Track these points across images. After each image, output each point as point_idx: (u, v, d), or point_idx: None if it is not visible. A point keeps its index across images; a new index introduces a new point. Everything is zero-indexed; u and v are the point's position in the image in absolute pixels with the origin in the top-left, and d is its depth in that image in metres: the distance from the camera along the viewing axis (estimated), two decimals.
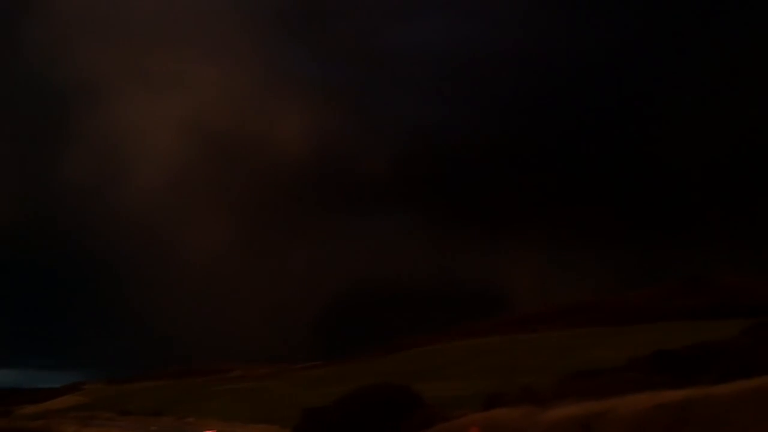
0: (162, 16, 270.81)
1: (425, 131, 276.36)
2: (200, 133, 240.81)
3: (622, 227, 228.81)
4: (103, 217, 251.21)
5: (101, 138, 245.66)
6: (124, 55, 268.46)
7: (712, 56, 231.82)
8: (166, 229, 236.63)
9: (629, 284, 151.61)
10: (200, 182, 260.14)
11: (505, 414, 32.12)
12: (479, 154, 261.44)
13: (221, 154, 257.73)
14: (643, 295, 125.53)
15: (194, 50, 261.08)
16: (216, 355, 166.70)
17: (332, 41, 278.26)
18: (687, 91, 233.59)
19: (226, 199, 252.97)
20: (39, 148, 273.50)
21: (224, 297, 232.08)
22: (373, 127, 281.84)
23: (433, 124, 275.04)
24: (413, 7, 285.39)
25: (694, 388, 20.30)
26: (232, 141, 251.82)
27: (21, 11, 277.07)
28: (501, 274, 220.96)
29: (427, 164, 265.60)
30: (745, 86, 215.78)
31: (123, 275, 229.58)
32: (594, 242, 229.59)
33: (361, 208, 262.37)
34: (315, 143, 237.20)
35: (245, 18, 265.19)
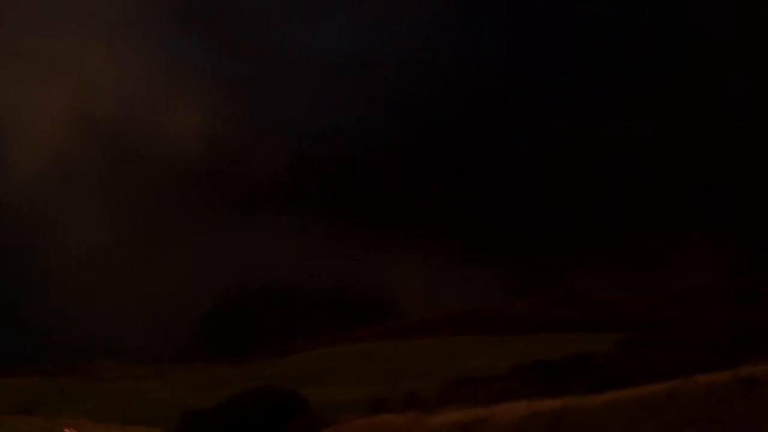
0: None
1: (321, 134, 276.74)
2: (86, 120, 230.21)
3: (507, 239, 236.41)
4: None
5: None
6: (7, 33, 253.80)
7: (599, 74, 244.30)
8: (45, 219, 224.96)
9: (512, 295, 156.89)
10: (84, 172, 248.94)
11: (390, 419, 32.56)
12: (373, 160, 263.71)
13: (108, 143, 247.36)
14: (525, 306, 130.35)
15: (84, 32, 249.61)
16: (94, 353, 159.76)
17: (232, 36, 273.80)
18: (581, 113, 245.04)
19: (112, 190, 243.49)
20: None
21: (105, 293, 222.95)
22: (268, 126, 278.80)
23: (329, 127, 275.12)
24: (315, 8, 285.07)
25: (570, 397, 21.35)
26: (120, 130, 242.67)
27: None
28: (390, 280, 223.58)
29: (322, 167, 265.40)
30: (630, 102, 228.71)
31: None
32: (481, 252, 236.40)
33: (254, 208, 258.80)
34: (208, 139, 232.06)
35: (141, 3, 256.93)
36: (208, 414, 50.01)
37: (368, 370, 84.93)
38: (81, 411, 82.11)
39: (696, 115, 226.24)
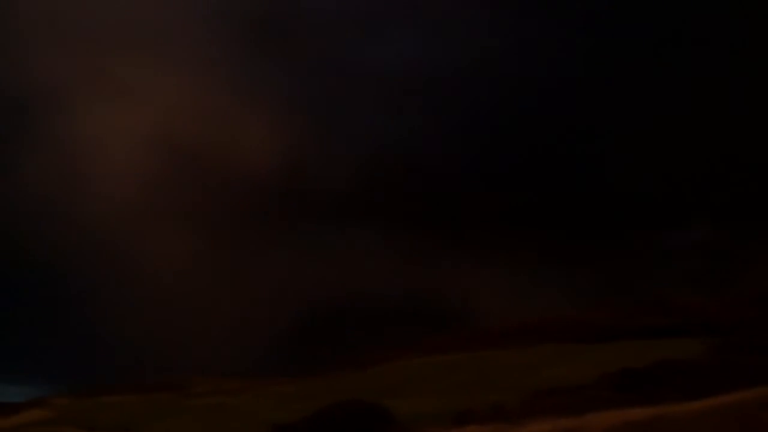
0: (127, 22, 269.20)
1: (392, 146, 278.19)
2: (164, 144, 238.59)
3: (589, 244, 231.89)
4: (63, 229, 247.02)
5: (61, 147, 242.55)
6: (86, 61, 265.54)
7: (684, 72, 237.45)
8: (129, 243, 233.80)
9: (596, 301, 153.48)
10: (166, 194, 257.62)
11: (476, 431, 32.71)
12: (446, 170, 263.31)
13: (185, 166, 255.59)
14: (608, 313, 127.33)
15: (160, 59, 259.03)
16: (185, 369, 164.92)
17: (300, 54, 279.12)
18: (659, 112, 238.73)
19: (193, 211, 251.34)
20: None
21: (192, 311, 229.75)
22: (339, 141, 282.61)
23: (403, 139, 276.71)
24: (382, 22, 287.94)
25: (662, 406, 21.08)
26: (197, 153, 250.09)
27: None
28: (467, 289, 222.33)
29: (394, 179, 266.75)
30: (705, 109, 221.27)
31: (90, 288, 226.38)
32: (559, 259, 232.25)
33: (328, 223, 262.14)
34: (281, 157, 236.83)
35: (213, 28, 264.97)
36: (295, 428, 51.13)
37: (451, 382, 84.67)
38: (175, 426, 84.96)
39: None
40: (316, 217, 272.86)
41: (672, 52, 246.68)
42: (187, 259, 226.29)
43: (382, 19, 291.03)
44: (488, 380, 75.94)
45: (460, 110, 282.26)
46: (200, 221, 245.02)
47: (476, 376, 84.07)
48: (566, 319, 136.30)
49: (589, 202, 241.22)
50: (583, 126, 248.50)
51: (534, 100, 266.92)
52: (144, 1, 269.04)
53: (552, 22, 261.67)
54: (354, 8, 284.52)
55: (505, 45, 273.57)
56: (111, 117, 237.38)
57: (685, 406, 19.54)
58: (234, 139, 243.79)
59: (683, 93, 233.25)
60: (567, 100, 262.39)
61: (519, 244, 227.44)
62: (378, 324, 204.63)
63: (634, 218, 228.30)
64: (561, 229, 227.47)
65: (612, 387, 37.53)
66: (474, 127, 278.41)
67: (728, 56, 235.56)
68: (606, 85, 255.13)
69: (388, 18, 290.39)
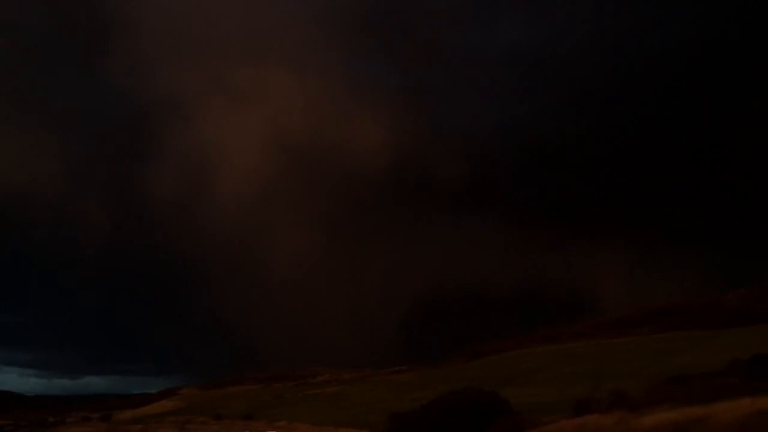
0: (244, 29, 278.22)
1: (503, 132, 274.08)
2: (282, 145, 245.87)
3: (711, 228, 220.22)
4: (192, 231, 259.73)
5: (187, 153, 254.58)
6: (208, 69, 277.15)
7: None
8: (253, 241, 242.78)
9: (720, 286, 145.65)
10: (284, 193, 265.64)
11: (597, 420, 31.41)
12: (562, 154, 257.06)
13: (303, 164, 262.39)
14: (738, 297, 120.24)
15: (277, 62, 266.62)
16: (304, 361, 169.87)
17: (407, 46, 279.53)
18: None
19: (309, 209, 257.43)
20: (127, 163, 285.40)
21: (310, 305, 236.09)
22: (450, 129, 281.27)
23: (511, 124, 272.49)
24: (485, 7, 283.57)
25: None
26: (315, 152, 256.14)
27: (109, 27, 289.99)
28: (587, 276, 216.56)
29: (508, 165, 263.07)
30: None
31: (215, 286, 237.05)
32: (683, 243, 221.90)
33: (442, 212, 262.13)
34: (394, 149, 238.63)
35: (320, 26, 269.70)
36: (412, 416, 51.06)
37: (569, 370, 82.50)
38: (296, 414, 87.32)
39: None
40: (431, 208, 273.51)
41: None
42: (306, 254, 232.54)
43: (485, 5, 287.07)
44: (609, 368, 73.35)
45: (572, 93, 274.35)
46: (318, 217, 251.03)
47: (598, 364, 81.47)
48: (694, 304, 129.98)
49: (716, 182, 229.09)
50: (700, 104, 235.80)
51: (650, 76, 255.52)
52: (254, 8, 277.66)
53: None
54: None
55: (614, 24, 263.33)
56: (230, 121, 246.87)
57: None
58: (347, 135, 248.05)
59: None
60: (688, 73, 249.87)
61: (643, 228, 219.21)
62: (497, 312, 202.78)
63: (764, 199, 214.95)
64: (686, 211, 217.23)
65: (743, 374, 35.15)
66: (589, 109, 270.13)
67: None
68: (724, 58, 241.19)
69: (491, 4, 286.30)
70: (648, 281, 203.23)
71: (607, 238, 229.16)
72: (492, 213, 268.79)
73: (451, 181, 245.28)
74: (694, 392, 31.16)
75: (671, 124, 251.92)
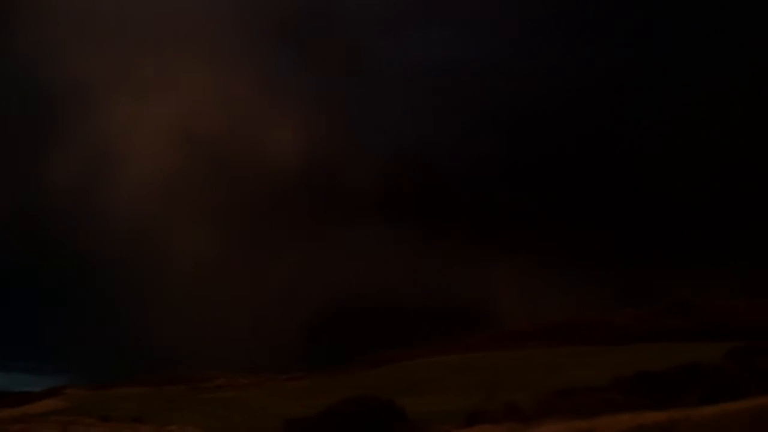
0: (155, 20, 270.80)
1: (415, 145, 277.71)
2: (190, 140, 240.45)
3: (608, 247, 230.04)
4: (89, 221, 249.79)
5: (90, 141, 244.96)
6: (115, 58, 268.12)
7: (706, 77, 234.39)
8: (152, 235, 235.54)
9: (614, 305, 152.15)
10: (188, 189, 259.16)
11: (488, 430, 32.20)
12: (467, 170, 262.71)
13: (210, 161, 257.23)
14: (628, 316, 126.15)
15: (187, 56, 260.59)
16: (199, 363, 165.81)
17: (327, 53, 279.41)
18: (680, 115, 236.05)
19: (214, 207, 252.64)
20: (27, 149, 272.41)
21: (209, 305, 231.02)
22: (362, 139, 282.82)
23: (423, 139, 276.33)
24: (405, 22, 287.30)
25: (676, 410, 20.47)
26: (222, 149, 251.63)
27: (11, 12, 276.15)
28: (486, 290, 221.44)
29: (416, 178, 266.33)
30: (737, 109, 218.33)
31: (106, 280, 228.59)
32: (580, 261, 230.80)
33: (349, 221, 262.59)
34: (304, 154, 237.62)
35: (239, 25, 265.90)
36: (308, 423, 50.83)
37: (465, 381, 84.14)
38: (188, 419, 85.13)
39: None
40: (337, 215, 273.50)
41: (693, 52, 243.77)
42: (208, 253, 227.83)
43: (408, 18, 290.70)
44: (503, 380, 75.30)
45: (483, 110, 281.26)
46: (222, 216, 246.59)
47: (491, 376, 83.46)
48: (585, 321, 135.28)
49: (615, 202, 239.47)
50: (603, 126, 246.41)
51: (558, 98, 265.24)
52: (170, 1, 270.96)
53: (576, 22, 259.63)
54: (382, 7, 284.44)
55: (528, 45, 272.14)
56: (139, 113, 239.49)
57: (700, 411, 18.90)
58: (259, 136, 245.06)
59: (727, 92, 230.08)
60: (594, 95, 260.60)
61: (540, 246, 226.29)
62: (397, 322, 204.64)
63: (659, 218, 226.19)
64: (584, 230, 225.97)
65: (627, 390, 36.82)
66: (495, 126, 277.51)
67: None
68: (636, 82, 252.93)
69: (415, 17, 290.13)
70: (544, 297, 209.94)
71: (507, 252, 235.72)
72: (398, 224, 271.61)
73: (361, 190, 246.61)
74: (580, 406, 32.39)
75: (578, 146, 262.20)
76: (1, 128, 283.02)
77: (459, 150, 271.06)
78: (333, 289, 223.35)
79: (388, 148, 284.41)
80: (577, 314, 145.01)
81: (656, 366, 44.31)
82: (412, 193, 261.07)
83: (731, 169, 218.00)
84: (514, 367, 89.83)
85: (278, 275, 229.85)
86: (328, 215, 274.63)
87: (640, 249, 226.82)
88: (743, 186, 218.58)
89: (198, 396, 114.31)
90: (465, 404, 52.32)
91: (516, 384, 70.50)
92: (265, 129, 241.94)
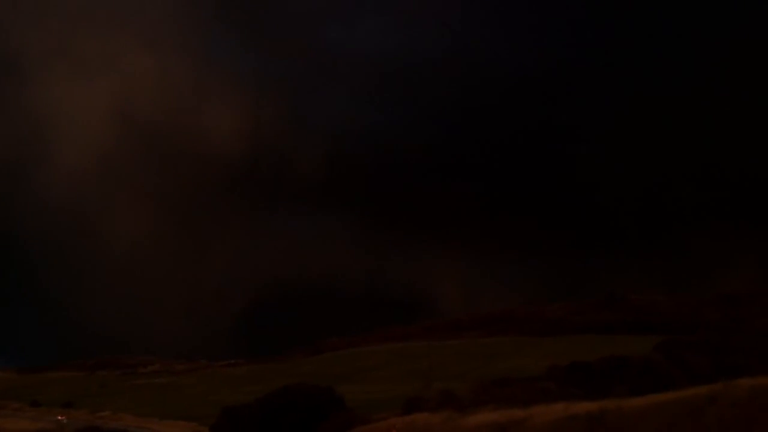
0: None
1: (358, 133, 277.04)
2: (128, 119, 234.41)
3: (545, 241, 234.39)
4: (20, 199, 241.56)
5: (23, 117, 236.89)
6: (51, 33, 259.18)
7: (647, 72, 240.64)
8: (86, 215, 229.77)
9: (549, 297, 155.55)
10: (126, 169, 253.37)
11: (425, 418, 32.61)
12: (410, 158, 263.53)
13: (149, 141, 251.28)
14: (562, 308, 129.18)
15: (126, 35, 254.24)
16: (133, 348, 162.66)
17: (271, 37, 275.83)
18: (619, 113, 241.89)
19: (151, 188, 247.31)
20: None
21: (144, 289, 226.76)
22: (306, 125, 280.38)
23: (366, 126, 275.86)
24: (351, 8, 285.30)
25: (607, 400, 21.13)
26: (162, 130, 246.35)
27: None
28: (425, 279, 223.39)
29: (358, 166, 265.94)
30: (674, 113, 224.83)
31: (39, 260, 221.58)
32: (518, 254, 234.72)
33: (291, 207, 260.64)
34: (246, 137, 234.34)
35: (181, 6, 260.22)
36: (245, 410, 50.53)
37: (403, 369, 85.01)
38: (121, 405, 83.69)
39: (748, 117, 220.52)
40: (282, 201, 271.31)
41: (641, 49, 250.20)
42: (144, 235, 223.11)
43: (356, 4, 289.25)
44: (439, 369, 76.30)
45: (428, 100, 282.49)
46: (161, 198, 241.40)
47: (428, 365, 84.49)
48: (521, 312, 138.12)
49: (551, 197, 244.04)
50: (543, 120, 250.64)
51: (501, 90, 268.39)
52: None
53: (520, 15, 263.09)
54: None
55: (473, 36, 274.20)
56: (76, 90, 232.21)
57: (632, 401, 19.60)
58: (202, 119, 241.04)
59: (658, 91, 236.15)
60: (535, 88, 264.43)
61: (476, 236, 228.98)
62: (334, 310, 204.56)
63: (594, 215, 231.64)
64: (519, 223, 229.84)
65: (560, 380, 37.85)
66: (438, 116, 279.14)
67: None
68: (582, 78, 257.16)
69: (362, 4, 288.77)
70: (481, 288, 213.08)
71: (447, 243, 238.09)
72: (339, 212, 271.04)
73: (305, 176, 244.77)
74: (515, 395, 33.17)
75: (518, 139, 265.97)
76: None
77: (402, 139, 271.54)
78: (272, 275, 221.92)
79: (330, 135, 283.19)
80: (514, 305, 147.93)
81: (588, 357, 45.60)
82: (354, 181, 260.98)
83: (663, 166, 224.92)
84: (451, 356, 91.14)
85: (216, 259, 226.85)
86: (272, 200, 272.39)
87: (573, 243, 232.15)
88: (674, 183, 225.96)
89: (131, 381, 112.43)
90: (402, 392, 52.84)
91: (453, 372, 71.57)
92: (209, 111, 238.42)
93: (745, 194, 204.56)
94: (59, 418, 71.91)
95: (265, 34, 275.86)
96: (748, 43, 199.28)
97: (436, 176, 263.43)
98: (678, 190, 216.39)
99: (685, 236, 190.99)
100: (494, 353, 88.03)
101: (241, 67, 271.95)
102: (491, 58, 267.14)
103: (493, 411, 27.52)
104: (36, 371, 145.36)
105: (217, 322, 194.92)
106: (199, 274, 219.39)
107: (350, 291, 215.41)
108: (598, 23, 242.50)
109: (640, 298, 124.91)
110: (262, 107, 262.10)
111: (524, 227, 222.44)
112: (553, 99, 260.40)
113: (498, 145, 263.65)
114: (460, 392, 41.63)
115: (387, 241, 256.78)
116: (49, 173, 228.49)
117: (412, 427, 32.18)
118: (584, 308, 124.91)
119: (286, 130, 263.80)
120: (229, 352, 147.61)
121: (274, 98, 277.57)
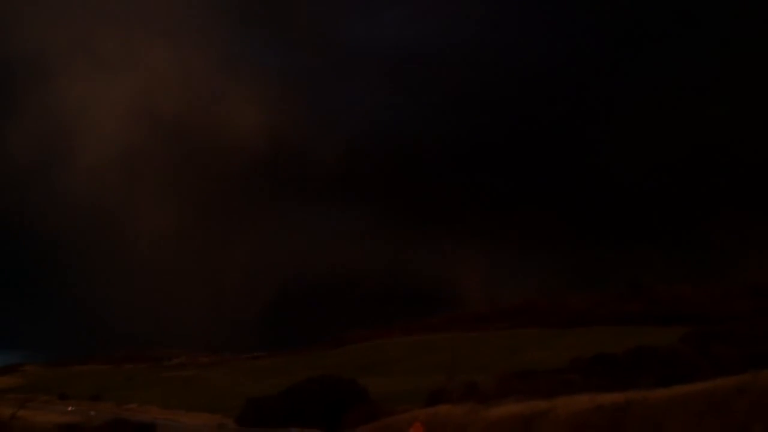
0: None
1: (380, 126, 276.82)
2: (151, 115, 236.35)
3: (569, 233, 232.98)
4: (46, 197, 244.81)
5: (47, 115, 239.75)
6: (73, 31, 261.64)
7: (666, 69, 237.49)
8: (111, 212, 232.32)
9: (573, 288, 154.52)
10: (149, 165, 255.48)
11: (448, 410, 32.50)
12: (432, 152, 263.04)
13: (172, 138, 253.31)
14: (587, 300, 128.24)
15: (148, 31, 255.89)
16: (159, 341, 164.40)
17: (291, 32, 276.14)
18: (640, 103, 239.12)
19: (176, 184, 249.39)
20: None
21: (169, 283, 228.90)
22: (327, 119, 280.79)
23: (388, 120, 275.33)
24: (370, 2, 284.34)
25: (633, 392, 20.89)
26: (184, 126, 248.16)
27: None
28: (449, 272, 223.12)
29: (381, 160, 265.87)
30: (696, 101, 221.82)
31: (66, 257, 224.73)
32: (541, 246, 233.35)
33: (314, 201, 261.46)
34: (268, 132, 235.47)
35: (204, 1, 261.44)
36: (269, 402, 50.89)
37: (426, 361, 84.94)
38: (147, 397, 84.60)
39: None
40: (298, 195, 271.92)
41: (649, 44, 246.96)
42: (169, 231, 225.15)
43: None
44: (463, 361, 76.19)
45: (450, 92, 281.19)
46: (185, 194, 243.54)
47: (451, 357, 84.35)
48: (544, 304, 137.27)
49: (573, 188, 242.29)
50: (566, 113, 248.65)
51: (523, 82, 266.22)
52: None
53: (540, 8, 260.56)
54: None
55: (493, 29, 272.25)
56: (98, 87, 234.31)
57: (657, 392, 19.36)
58: (221, 113, 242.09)
59: (677, 86, 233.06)
60: (558, 81, 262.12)
61: (502, 229, 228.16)
62: (358, 303, 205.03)
63: (619, 205, 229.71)
64: (542, 214, 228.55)
65: (584, 371, 37.52)
66: (460, 109, 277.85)
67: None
68: (604, 68, 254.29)
69: None
70: (504, 280, 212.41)
71: (470, 235, 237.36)
72: (363, 205, 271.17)
73: (327, 170, 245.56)
74: (538, 387, 32.93)
75: (539, 131, 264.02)
76: None
77: (422, 132, 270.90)
78: (295, 269, 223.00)
79: (352, 128, 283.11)
80: (536, 297, 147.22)
81: (613, 349, 45.20)
82: (376, 175, 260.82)
83: (686, 158, 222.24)
84: (474, 348, 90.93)
85: (240, 254, 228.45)
86: (294, 194, 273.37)
87: (597, 234, 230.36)
88: (697, 175, 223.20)
89: (158, 374, 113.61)
90: (426, 384, 52.79)
91: (476, 365, 71.42)
92: (227, 106, 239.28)
93: None
94: (91, 413, 72.90)
95: (286, 29, 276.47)
96: None
97: (457, 169, 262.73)
98: (704, 178, 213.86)
99: (710, 226, 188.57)
100: (517, 345, 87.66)
101: (262, 62, 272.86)
102: (510, 51, 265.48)
103: (516, 403, 27.35)
104: (64, 365, 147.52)
105: (242, 315, 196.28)
106: (223, 268, 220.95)
107: (372, 284, 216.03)
108: (618, 13, 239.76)
109: (666, 288, 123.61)
110: (283, 102, 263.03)
111: (546, 219, 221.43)
112: (573, 89, 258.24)
113: (518, 137, 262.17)
114: (483, 384, 41.46)
115: (409, 234, 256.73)
116: (73, 170, 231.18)
117: (436, 419, 32.11)
118: (609, 299, 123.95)
119: (308, 124, 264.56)
120: (253, 344, 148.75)
121: (296, 93, 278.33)
